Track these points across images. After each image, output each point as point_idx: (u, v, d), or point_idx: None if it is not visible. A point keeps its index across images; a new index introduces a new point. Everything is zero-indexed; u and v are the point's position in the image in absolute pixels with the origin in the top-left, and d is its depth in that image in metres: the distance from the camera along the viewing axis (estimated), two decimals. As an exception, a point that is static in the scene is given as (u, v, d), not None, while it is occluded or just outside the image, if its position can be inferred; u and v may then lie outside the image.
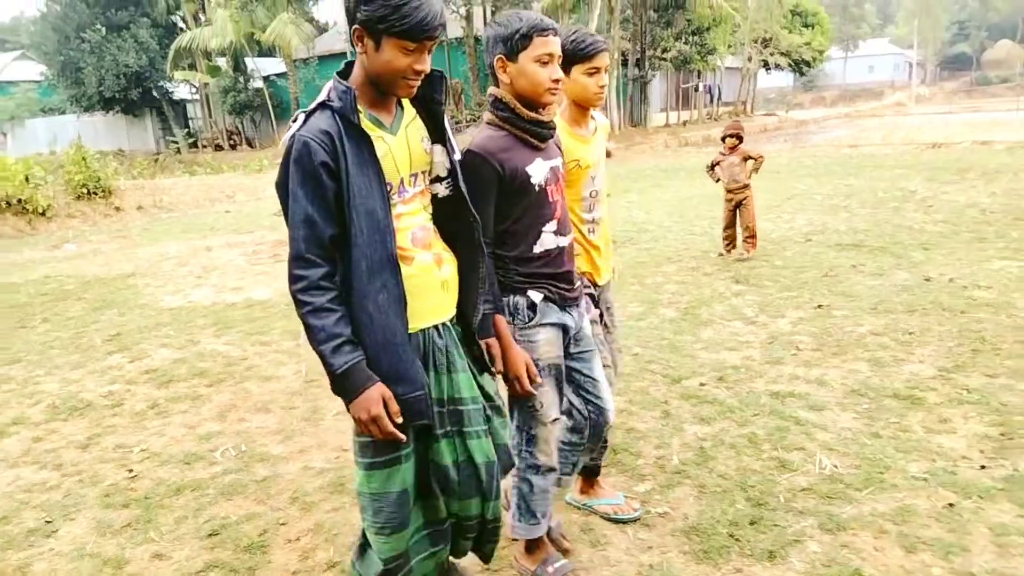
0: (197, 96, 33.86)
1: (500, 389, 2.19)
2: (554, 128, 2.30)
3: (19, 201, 11.55)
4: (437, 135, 2.00)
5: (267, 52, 32.61)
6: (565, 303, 2.36)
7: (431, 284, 1.94)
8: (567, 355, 2.41)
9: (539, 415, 2.32)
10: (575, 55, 2.44)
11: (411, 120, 1.96)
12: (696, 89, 37.80)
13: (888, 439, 3.33)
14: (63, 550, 2.83)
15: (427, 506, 2.07)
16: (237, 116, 32.50)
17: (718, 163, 7.50)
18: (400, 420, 1.82)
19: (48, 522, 3.03)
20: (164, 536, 2.88)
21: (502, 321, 2.18)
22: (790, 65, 41.80)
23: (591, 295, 2.67)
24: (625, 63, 31.05)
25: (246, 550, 2.77)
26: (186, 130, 33.46)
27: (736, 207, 7.45)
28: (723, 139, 7.62)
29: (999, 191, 10.53)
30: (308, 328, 1.77)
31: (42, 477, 3.44)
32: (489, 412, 2.05)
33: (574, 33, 2.49)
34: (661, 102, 35.21)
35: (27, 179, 11.66)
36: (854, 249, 7.36)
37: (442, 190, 2.02)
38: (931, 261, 6.67)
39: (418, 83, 1.86)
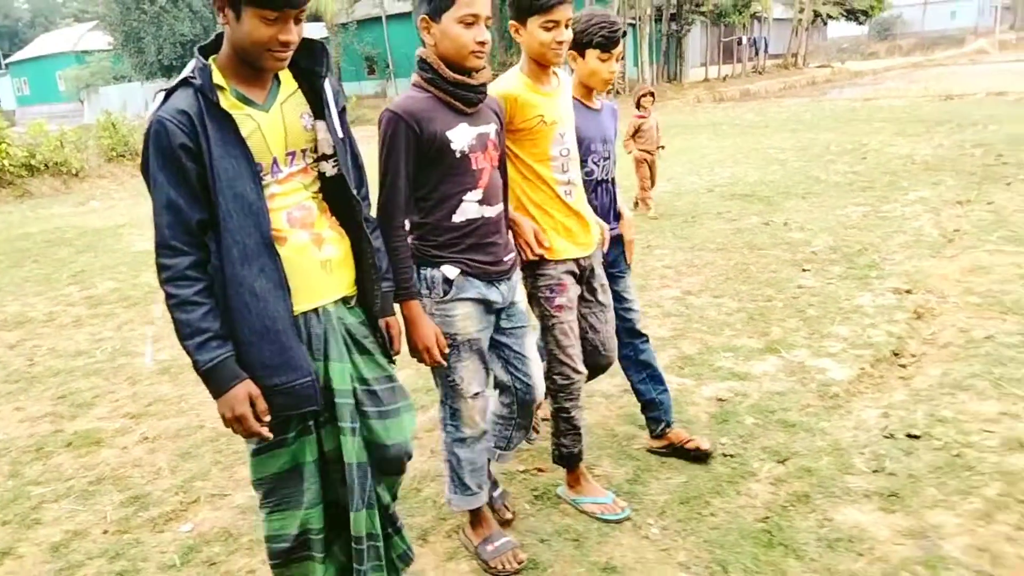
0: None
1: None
2: (484, 92, 2.16)
3: (56, 163, 13.19)
4: (318, 111, 1.84)
5: (313, 18, 33.92)
6: (490, 277, 2.23)
7: (309, 265, 1.81)
8: (498, 330, 2.33)
9: (460, 389, 2.25)
10: (531, 5, 2.26)
11: (289, 95, 1.81)
12: (739, 43, 37.15)
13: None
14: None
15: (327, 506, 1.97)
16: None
17: (639, 128, 7.61)
18: (267, 418, 1.73)
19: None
20: (29, 398, 4.10)
21: (409, 300, 2.10)
22: (843, 15, 40.46)
23: (572, 272, 2.53)
24: (659, 18, 30.95)
25: (78, 407, 3.94)
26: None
27: (651, 167, 7.71)
28: (638, 102, 7.86)
29: (949, 143, 10.81)
30: (174, 321, 1.68)
31: (-27, 365, 4.73)
32: (384, 396, 1.94)
33: None
34: (701, 56, 34.82)
35: (61, 143, 13.28)
36: (739, 199, 8.04)
37: (329, 168, 1.88)
38: (792, 208, 7.34)
39: (287, 55, 1.71)
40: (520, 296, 2.39)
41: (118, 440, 3.50)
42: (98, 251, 7.93)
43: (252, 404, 1.71)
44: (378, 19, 28.41)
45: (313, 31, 34.99)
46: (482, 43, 2.04)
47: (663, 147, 7.99)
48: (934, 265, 5.11)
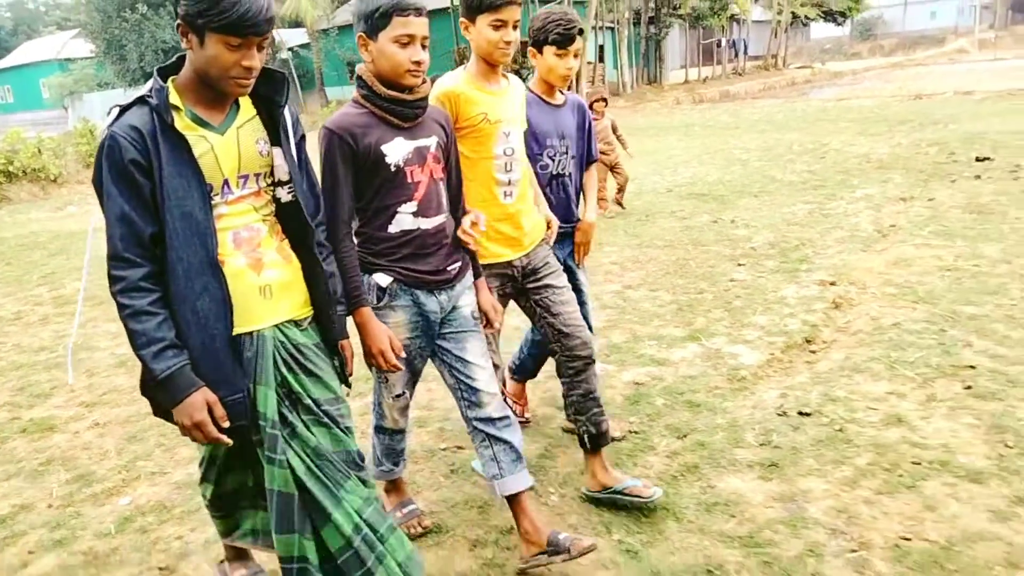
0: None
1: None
2: (422, 107, 2.19)
3: (34, 170, 13.34)
4: (276, 138, 1.88)
5: (295, 24, 34.10)
6: (428, 286, 2.26)
7: (245, 289, 1.82)
8: (440, 336, 2.35)
9: (386, 387, 2.40)
10: (480, 3, 2.30)
11: (247, 120, 1.85)
12: (719, 44, 37.55)
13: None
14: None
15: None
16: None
17: None
18: (226, 424, 1.77)
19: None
20: (-9, 391, 4.30)
21: (359, 307, 2.14)
22: (821, 16, 40.98)
23: (503, 275, 2.57)
24: (638, 22, 31.28)
25: (36, 396, 4.13)
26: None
27: (611, 168, 7.87)
28: (591, 106, 8.26)
29: (907, 142, 11.11)
30: (128, 332, 1.69)
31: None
32: (328, 418, 1.93)
33: None
34: (681, 59, 35.18)
35: (39, 151, 13.42)
36: (695, 198, 8.30)
37: (285, 194, 1.92)
38: (744, 207, 7.60)
39: (249, 82, 1.75)
40: (465, 302, 2.37)
41: (71, 426, 3.70)
42: (70, 254, 8.10)
43: (210, 411, 1.74)
44: (360, 24, 28.68)
45: (294, 37, 35.18)
46: (418, 63, 2.07)
47: (625, 148, 8.11)
48: (861, 259, 5.38)
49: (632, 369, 3.83)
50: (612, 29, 30.68)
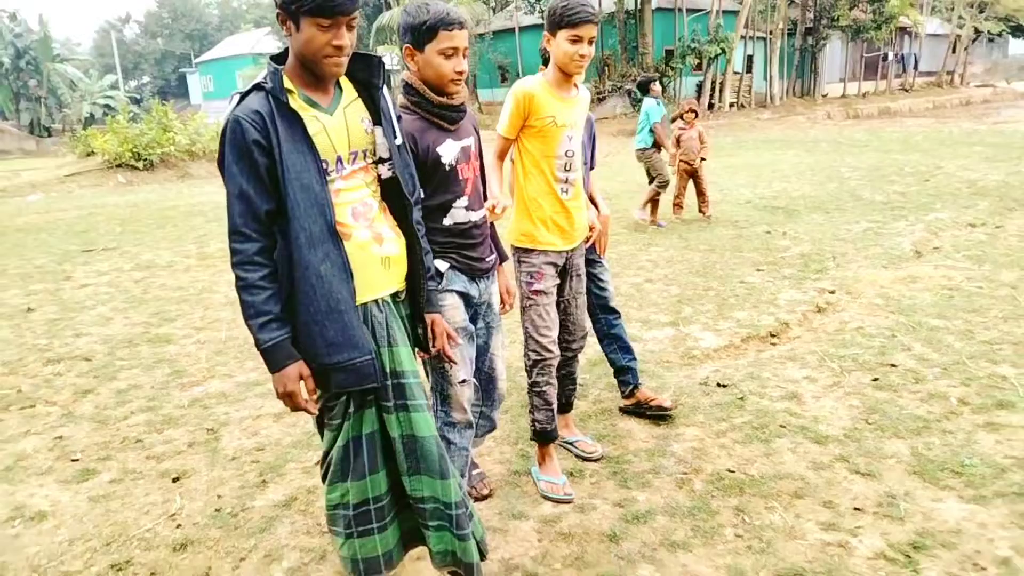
0: (399, 67, 38.46)
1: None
2: (464, 110, 2.41)
3: (212, 151, 15.63)
4: (376, 118, 2.01)
5: (458, 26, 36.17)
6: (473, 273, 2.47)
7: (370, 260, 1.95)
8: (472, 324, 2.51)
9: (448, 376, 2.41)
10: (561, 20, 2.59)
11: (351, 101, 1.98)
12: (884, 58, 35.75)
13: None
14: None
15: (390, 473, 2.06)
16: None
17: (679, 138, 8.40)
18: (315, 397, 1.89)
19: None
20: (135, 313, 5.69)
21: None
22: (1008, 31, 37.85)
23: (554, 264, 2.81)
24: (792, 32, 30.56)
25: (165, 320, 5.48)
26: (388, 96, 38.23)
27: (691, 176, 8.42)
28: (682, 116, 8.72)
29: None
30: (240, 302, 1.83)
31: None
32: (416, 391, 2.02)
33: (566, 1, 2.58)
34: (840, 71, 33.90)
35: (217, 134, 15.70)
36: (767, 211, 8.69)
37: (385, 171, 2.04)
38: (806, 221, 7.97)
39: (342, 60, 1.87)
40: (495, 296, 2.61)
41: (181, 341, 4.98)
42: (224, 222, 9.74)
43: (303, 382, 1.86)
44: (511, 30, 30.15)
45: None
46: (460, 72, 2.28)
47: (704, 159, 8.61)
48: (875, 274, 5.72)
49: (609, 342, 4.56)
50: (764, 39, 30.23)
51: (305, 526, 2.77)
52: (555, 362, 2.89)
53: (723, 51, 26.20)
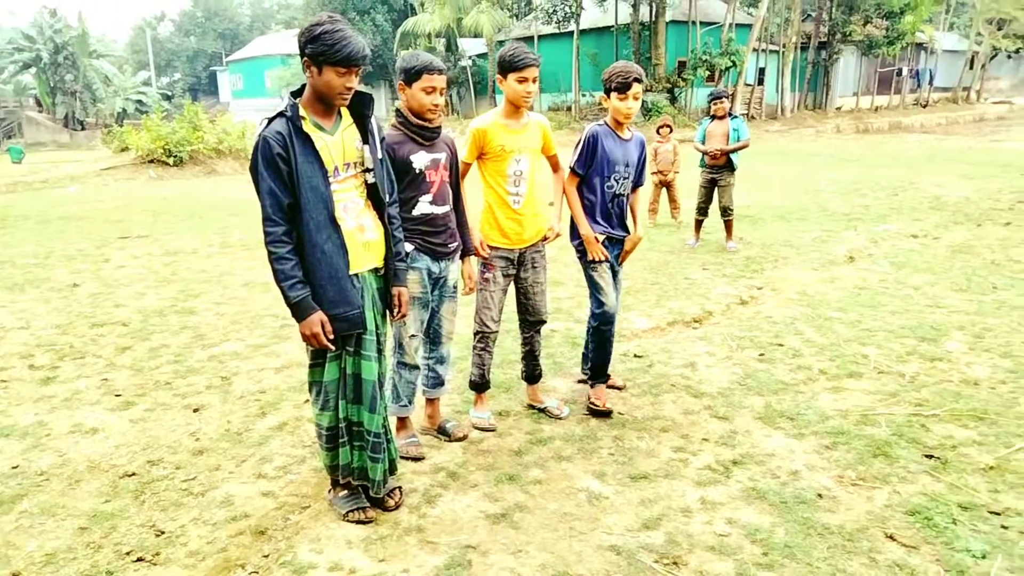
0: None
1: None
2: (438, 132, 3.20)
3: (238, 149, 16.72)
4: (365, 138, 2.70)
5: (478, 34, 37.27)
6: (435, 254, 3.27)
7: (355, 243, 2.68)
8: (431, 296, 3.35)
9: (404, 329, 3.30)
10: (510, 64, 3.29)
11: (348, 126, 2.67)
12: (899, 73, 36.20)
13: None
14: None
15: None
16: (447, 89, 37.64)
17: (656, 151, 9.05)
18: (332, 336, 2.61)
19: None
20: (164, 290, 6.66)
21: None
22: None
23: (505, 258, 3.55)
24: (806, 46, 31.18)
25: (190, 296, 6.44)
26: (410, 100, 39.34)
27: (664, 186, 9.22)
28: (658, 131, 9.38)
29: (992, 188, 11.44)
30: (273, 270, 2.55)
31: None
32: (380, 344, 2.78)
33: (513, 49, 3.31)
34: (853, 85, 34.41)
35: (243, 133, 16.79)
36: (736, 219, 9.42)
37: (369, 178, 2.72)
38: (767, 228, 8.78)
39: (349, 96, 2.56)
40: (453, 274, 3.39)
41: (203, 312, 5.93)
42: (244, 215, 10.78)
43: (323, 327, 2.59)
44: (530, 39, 31.04)
45: (474, 47, 38.31)
46: (436, 105, 3.09)
47: (677, 172, 9.38)
48: (803, 275, 6.54)
49: (557, 322, 5.44)
50: (777, 52, 30.88)
51: (292, 442, 3.68)
52: (493, 336, 3.70)
53: (734, 63, 26.94)
